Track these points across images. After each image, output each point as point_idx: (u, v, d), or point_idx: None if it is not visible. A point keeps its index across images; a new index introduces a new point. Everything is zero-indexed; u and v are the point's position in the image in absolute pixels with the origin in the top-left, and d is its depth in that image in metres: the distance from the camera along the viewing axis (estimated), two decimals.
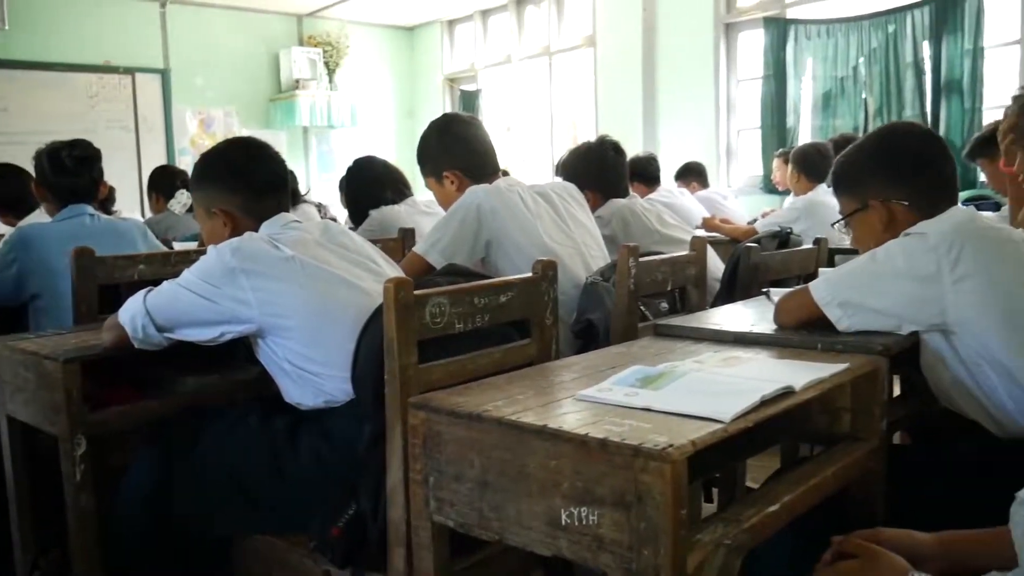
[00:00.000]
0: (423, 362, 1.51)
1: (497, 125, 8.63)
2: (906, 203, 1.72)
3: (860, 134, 5.20)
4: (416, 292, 1.50)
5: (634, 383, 1.31)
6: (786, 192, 5.42)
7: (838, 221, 1.87)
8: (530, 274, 1.74)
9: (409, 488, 1.37)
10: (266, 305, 1.72)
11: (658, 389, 1.27)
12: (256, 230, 1.87)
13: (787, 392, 1.26)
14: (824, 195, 4.27)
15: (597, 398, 1.26)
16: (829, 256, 2.78)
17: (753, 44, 6.53)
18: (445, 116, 2.53)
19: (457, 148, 2.43)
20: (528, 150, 8.29)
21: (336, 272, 1.79)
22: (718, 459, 1.77)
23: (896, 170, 1.75)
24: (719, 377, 1.36)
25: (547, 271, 1.74)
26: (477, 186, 2.32)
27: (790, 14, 6.28)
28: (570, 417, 1.17)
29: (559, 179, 2.92)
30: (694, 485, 2.18)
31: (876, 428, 1.53)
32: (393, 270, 1.96)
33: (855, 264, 1.70)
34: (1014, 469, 1.30)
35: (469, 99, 8.83)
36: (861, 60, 5.93)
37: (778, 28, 6.26)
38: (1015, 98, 2.11)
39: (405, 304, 1.46)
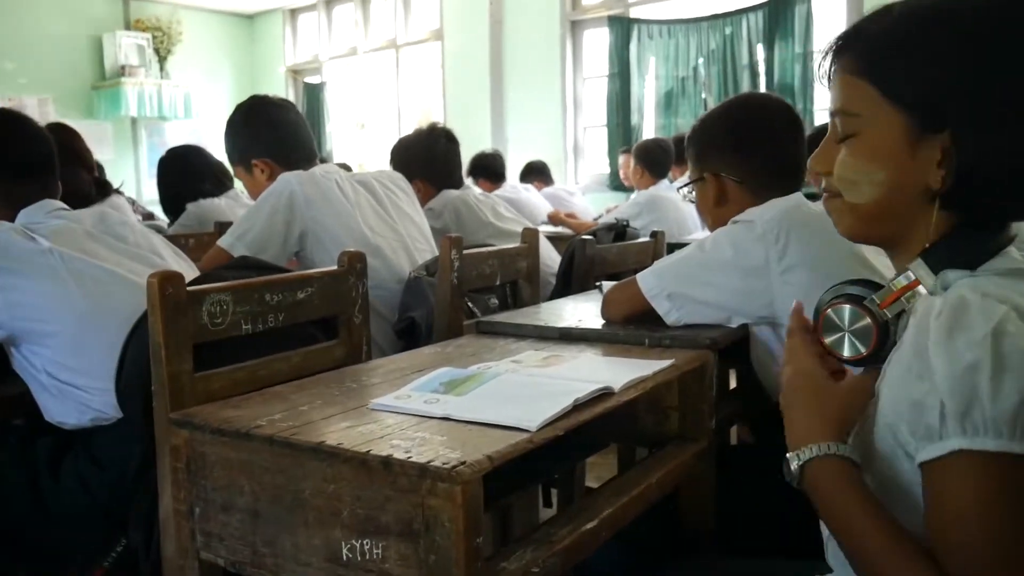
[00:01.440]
0: (202, 370, 1.30)
1: (344, 119, 8.34)
2: (737, 180, 1.64)
3: None
4: (190, 288, 1.29)
5: (437, 388, 1.14)
6: (632, 188, 5.45)
7: (683, 186, 1.77)
8: (335, 267, 1.55)
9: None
10: (16, 307, 1.46)
11: (462, 395, 1.11)
12: (12, 219, 1.59)
13: (605, 393, 1.13)
14: (666, 190, 4.28)
15: (393, 407, 1.09)
16: (668, 250, 2.72)
17: (598, 42, 6.55)
18: (252, 99, 2.29)
19: (266, 134, 2.20)
20: (380, 146, 8.03)
21: (106, 267, 1.54)
22: (546, 464, 1.65)
23: (732, 145, 1.64)
24: (534, 379, 1.21)
25: (354, 263, 1.55)
26: (289, 173, 2.09)
27: (633, 13, 6.34)
28: (355, 431, 0.99)
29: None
30: (529, 491, 2.05)
31: (705, 427, 1.43)
32: (182, 265, 1.72)
33: (684, 254, 1.60)
34: None
35: (313, 92, 8.48)
36: (701, 61, 6.05)
37: (622, 27, 6.30)
38: None
39: (175, 302, 1.25)
